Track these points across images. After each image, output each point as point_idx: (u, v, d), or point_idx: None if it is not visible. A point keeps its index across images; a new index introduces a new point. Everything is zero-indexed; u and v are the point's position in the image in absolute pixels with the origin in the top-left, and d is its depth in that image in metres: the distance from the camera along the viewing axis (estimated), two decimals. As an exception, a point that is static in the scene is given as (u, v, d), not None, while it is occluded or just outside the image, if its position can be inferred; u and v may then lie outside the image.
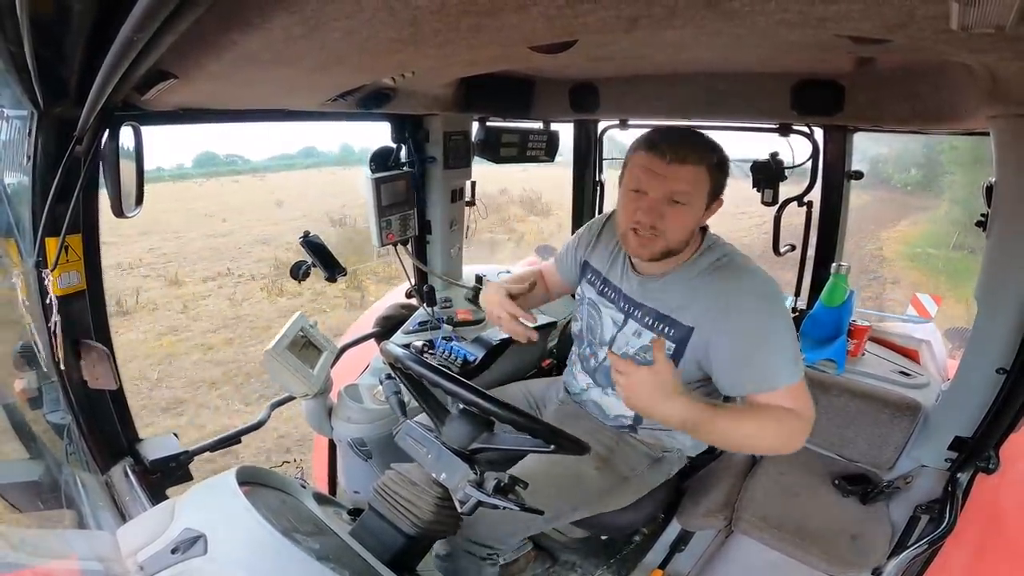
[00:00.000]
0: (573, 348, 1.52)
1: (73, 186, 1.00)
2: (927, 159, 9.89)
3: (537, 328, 1.35)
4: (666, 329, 1.22)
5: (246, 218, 12.46)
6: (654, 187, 1.11)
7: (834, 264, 1.85)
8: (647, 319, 1.26)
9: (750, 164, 1.91)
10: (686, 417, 0.98)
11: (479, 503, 0.88)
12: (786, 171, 1.88)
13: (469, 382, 0.95)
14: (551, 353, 2.13)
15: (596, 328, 1.38)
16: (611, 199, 2.31)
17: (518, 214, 12.18)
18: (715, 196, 1.15)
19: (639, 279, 1.28)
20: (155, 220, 10.95)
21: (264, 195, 15.40)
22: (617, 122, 2.28)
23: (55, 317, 1.04)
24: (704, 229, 1.25)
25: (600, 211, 2.51)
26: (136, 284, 7.80)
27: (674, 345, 1.21)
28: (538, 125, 2.27)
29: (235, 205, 13.92)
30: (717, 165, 1.12)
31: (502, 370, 1.85)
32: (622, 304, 1.32)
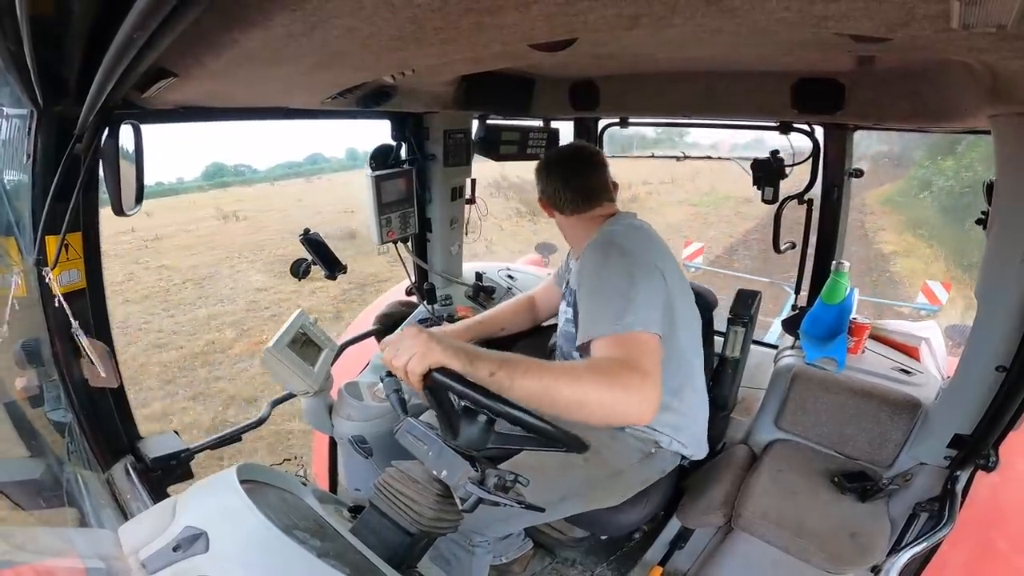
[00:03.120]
0: None
1: (73, 184, 1.00)
2: (902, 142, 13.84)
3: (539, 329, 1.53)
4: (571, 299, 1.42)
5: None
6: None
7: (834, 262, 1.85)
8: (568, 295, 1.48)
9: (751, 162, 1.91)
10: (476, 360, 0.92)
11: (480, 500, 0.88)
12: (786, 169, 1.88)
13: (472, 380, 0.95)
14: (552, 353, 2.13)
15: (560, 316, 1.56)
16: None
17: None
18: (540, 196, 1.49)
19: (574, 264, 1.49)
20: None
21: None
22: (617, 120, 2.28)
23: (68, 314, 1.04)
24: (613, 214, 1.44)
25: None
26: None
27: (572, 309, 1.40)
28: (538, 123, 2.27)
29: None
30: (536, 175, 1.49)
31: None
32: (565, 290, 1.54)
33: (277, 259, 9.49)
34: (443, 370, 0.89)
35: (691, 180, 18.37)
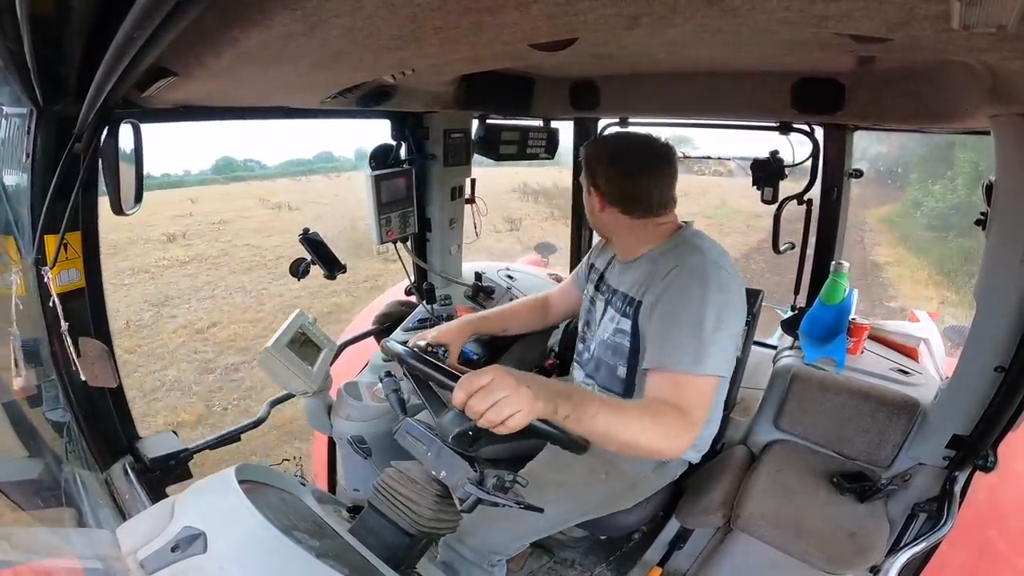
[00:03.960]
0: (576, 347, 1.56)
1: (72, 183, 1.00)
2: (904, 163, 15.01)
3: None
4: (627, 309, 1.31)
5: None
6: None
7: (833, 262, 1.85)
8: (618, 303, 1.35)
9: (750, 163, 1.91)
10: (557, 405, 0.90)
11: (479, 501, 0.88)
12: (786, 169, 1.88)
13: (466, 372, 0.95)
14: (552, 352, 2.13)
15: (591, 320, 1.46)
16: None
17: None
18: (597, 189, 1.31)
19: (620, 266, 1.40)
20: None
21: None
22: (617, 120, 2.28)
23: (59, 315, 1.04)
24: (680, 225, 1.35)
25: None
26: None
27: (630, 322, 1.29)
28: (538, 123, 2.26)
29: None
30: (582, 165, 1.36)
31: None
32: (606, 293, 1.42)
33: (350, 243, 9.53)
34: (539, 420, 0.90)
35: (702, 195, 19.41)
